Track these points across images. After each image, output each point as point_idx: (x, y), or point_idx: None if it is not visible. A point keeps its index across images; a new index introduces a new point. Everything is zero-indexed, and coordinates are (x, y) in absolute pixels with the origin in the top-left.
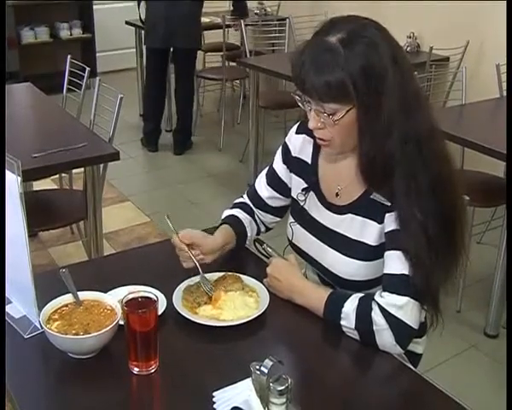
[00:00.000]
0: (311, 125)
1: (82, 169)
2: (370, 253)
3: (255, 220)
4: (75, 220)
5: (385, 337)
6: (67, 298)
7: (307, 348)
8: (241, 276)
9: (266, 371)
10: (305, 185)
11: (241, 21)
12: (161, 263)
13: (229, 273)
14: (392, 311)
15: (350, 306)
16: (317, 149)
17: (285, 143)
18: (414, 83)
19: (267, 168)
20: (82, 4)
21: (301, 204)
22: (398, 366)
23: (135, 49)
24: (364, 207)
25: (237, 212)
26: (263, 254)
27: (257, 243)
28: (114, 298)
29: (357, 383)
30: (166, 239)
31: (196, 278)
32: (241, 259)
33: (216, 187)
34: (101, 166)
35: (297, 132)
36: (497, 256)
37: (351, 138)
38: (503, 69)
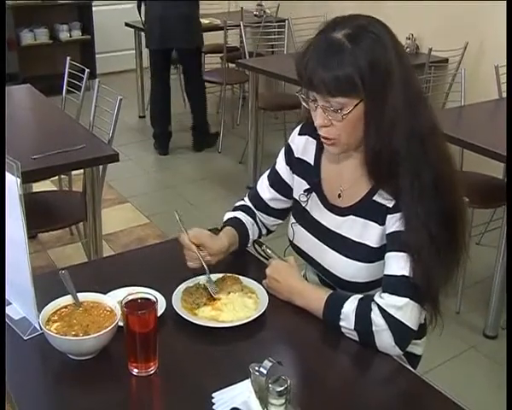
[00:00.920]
0: (318, 122)
1: (81, 171)
2: (371, 254)
3: (257, 223)
4: (74, 222)
5: (384, 338)
6: (67, 299)
7: (306, 349)
8: (241, 277)
9: (265, 372)
10: (308, 186)
11: (241, 23)
12: (161, 264)
13: (229, 275)
14: (392, 312)
15: (349, 307)
16: (320, 150)
17: (288, 144)
18: (416, 80)
19: (269, 170)
20: (81, 6)
21: (303, 205)
22: (397, 367)
23: (134, 51)
24: (366, 209)
25: (239, 214)
26: (262, 256)
27: (256, 245)
28: (114, 299)
29: (356, 384)
30: (166, 240)
31: (196, 279)
32: (240, 260)
33: (215, 189)
34: (101, 167)
35: (300, 133)
36: (497, 257)
37: (356, 135)
38: (503, 70)
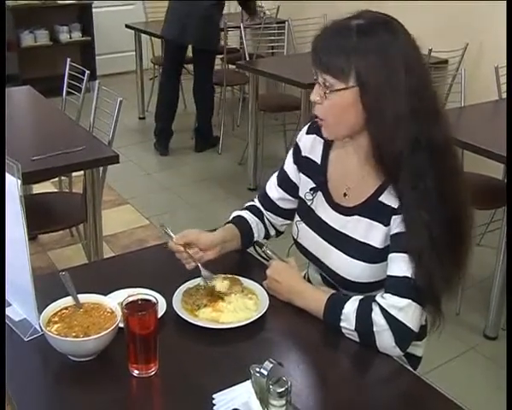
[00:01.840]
0: (311, 96)
1: (81, 172)
2: (376, 255)
3: (264, 223)
4: (75, 223)
5: (385, 339)
6: (67, 301)
7: (307, 350)
8: (241, 278)
9: (266, 373)
10: (313, 185)
11: (241, 24)
12: (161, 266)
13: (229, 275)
14: (393, 312)
15: (350, 307)
16: (327, 150)
17: (296, 143)
18: (430, 90)
19: (278, 170)
20: (81, 7)
21: (308, 204)
22: (397, 368)
23: (134, 53)
24: (371, 210)
25: (244, 213)
26: (262, 257)
27: (256, 246)
28: (114, 301)
29: (356, 384)
30: (166, 242)
31: (196, 281)
32: (240, 261)
33: (215, 190)
34: (101, 169)
35: (307, 132)
36: (497, 258)
37: (345, 122)
38: (502, 71)
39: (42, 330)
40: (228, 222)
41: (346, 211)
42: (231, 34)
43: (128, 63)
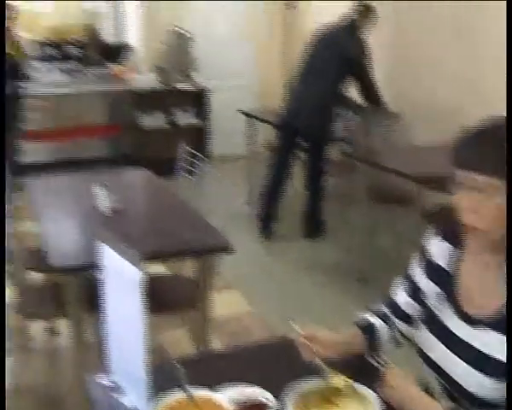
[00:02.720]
0: (465, 203)
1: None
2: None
3: (390, 328)
4: (184, 308)
5: None
6: (179, 394)
7: None
8: (354, 383)
9: None
10: (441, 292)
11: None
12: (274, 363)
13: (342, 377)
14: None
15: None
16: (457, 256)
17: (423, 246)
18: None
19: (403, 274)
20: (198, 92)
21: (434, 312)
22: None
23: (247, 138)
24: (504, 323)
25: (370, 315)
26: (377, 362)
27: (370, 350)
28: (226, 397)
29: None
30: (280, 337)
31: (309, 382)
32: (355, 365)
33: (322, 278)
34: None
35: (436, 236)
36: None
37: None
38: None
39: None
40: (355, 323)
41: (476, 322)
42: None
43: (240, 147)
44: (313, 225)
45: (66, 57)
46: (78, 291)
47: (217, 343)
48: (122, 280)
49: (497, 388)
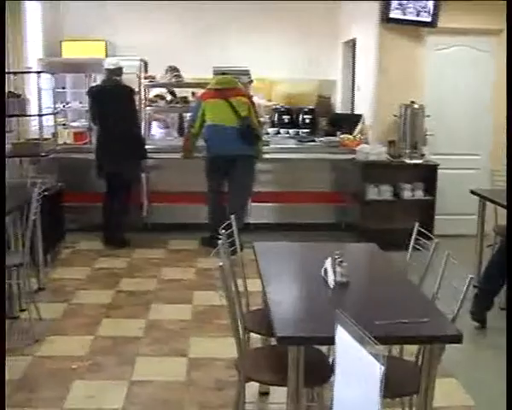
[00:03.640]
0: None
1: None
2: None
3: None
4: (407, 393)
5: None
6: None
7: None
8: None
9: None
10: None
11: None
12: None
13: None
14: None
15: None
16: None
17: None
18: None
19: None
20: (427, 168)
21: None
22: None
23: (477, 218)
24: None
25: None
26: None
27: None
28: None
29: None
30: None
31: None
32: None
33: None
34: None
35: None
36: None
37: None
38: None
39: None
40: None
41: None
42: None
43: (467, 227)
44: None
45: (297, 124)
46: (299, 361)
47: None
48: (358, 365)
49: None
